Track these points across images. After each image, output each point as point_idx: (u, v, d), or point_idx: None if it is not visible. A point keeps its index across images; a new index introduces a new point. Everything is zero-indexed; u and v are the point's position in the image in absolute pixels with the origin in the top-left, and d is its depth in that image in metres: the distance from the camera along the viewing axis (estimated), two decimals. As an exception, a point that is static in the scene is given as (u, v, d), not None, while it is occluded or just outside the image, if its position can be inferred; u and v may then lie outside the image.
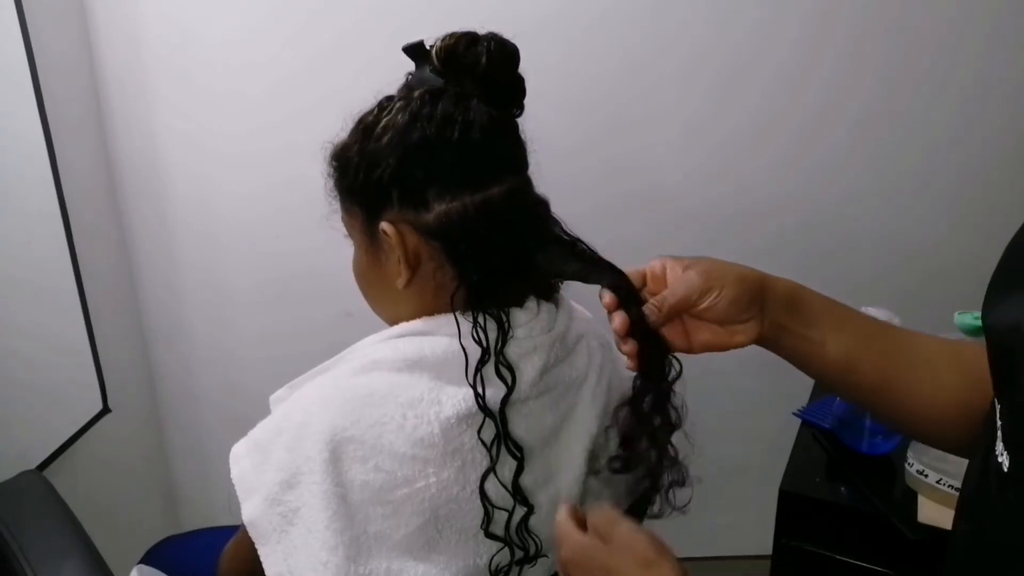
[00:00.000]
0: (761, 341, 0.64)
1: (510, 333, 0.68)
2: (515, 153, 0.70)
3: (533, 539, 0.71)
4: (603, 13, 1.36)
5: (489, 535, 0.68)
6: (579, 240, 0.70)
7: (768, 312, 0.63)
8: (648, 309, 0.62)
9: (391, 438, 0.64)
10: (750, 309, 0.62)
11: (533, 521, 0.71)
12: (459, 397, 0.66)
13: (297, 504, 0.65)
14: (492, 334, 0.67)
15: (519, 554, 0.70)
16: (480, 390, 0.65)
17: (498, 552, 0.69)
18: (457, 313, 0.67)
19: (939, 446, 0.67)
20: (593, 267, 0.66)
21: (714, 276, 0.62)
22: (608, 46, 1.38)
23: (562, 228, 0.71)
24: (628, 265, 0.66)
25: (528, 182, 0.71)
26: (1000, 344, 0.45)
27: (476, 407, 0.66)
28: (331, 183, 0.72)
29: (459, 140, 0.64)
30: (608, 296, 0.63)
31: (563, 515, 0.60)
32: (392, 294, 0.71)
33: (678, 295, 0.62)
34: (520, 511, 0.69)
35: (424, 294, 0.70)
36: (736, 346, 0.63)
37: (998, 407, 0.44)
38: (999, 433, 0.42)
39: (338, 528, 0.64)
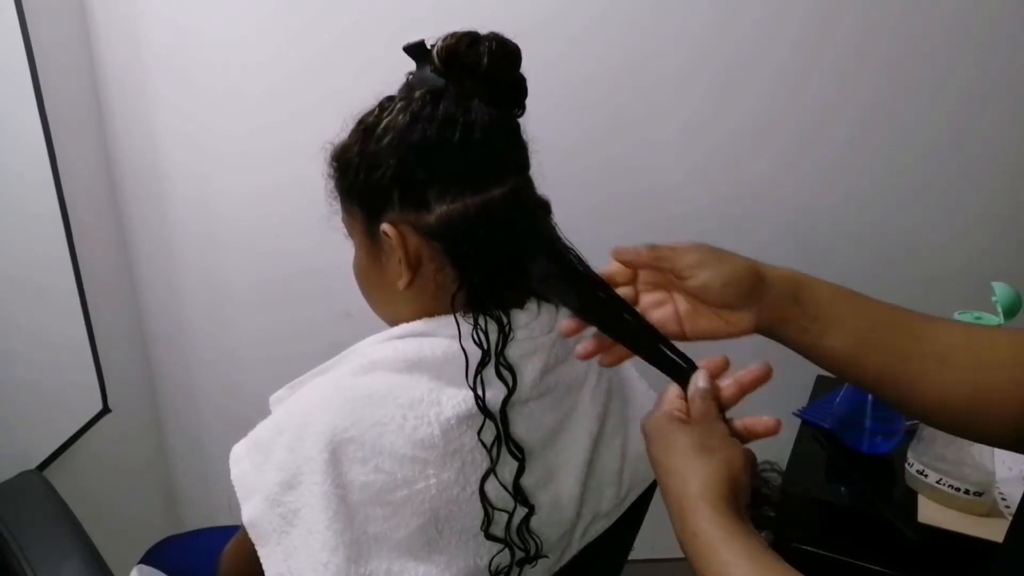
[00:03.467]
0: (758, 331, 0.61)
1: (511, 335, 0.68)
2: (516, 154, 0.70)
3: (534, 540, 0.71)
4: (603, 13, 1.35)
5: (489, 536, 0.68)
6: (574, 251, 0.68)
7: (767, 303, 0.60)
8: (634, 250, 0.63)
9: (391, 439, 0.64)
10: (747, 298, 0.60)
11: (534, 522, 0.71)
12: (459, 398, 0.66)
13: (297, 505, 0.65)
14: (492, 335, 0.67)
15: (520, 555, 0.70)
16: (480, 391, 0.65)
17: (499, 553, 0.69)
18: (458, 314, 0.67)
19: (950, 431, 0.65)
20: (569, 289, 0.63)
21: (709, 255, 0.61)
22: (608, 46, 1.37)
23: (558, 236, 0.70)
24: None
25: (530, 183, 0.71)
26: None
27: (476, 408, 0.66)
28: (331, 184, 0.72)
29: (460, 141, 0.64)
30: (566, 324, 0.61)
31: (670, 394, 0.60)
32: (393, 295, 0.71)
33: (668, 247, 0.62)
34: (521, 512, 0.69)
35: (425, 295, 0.69)
36: (732, 335, 0.61)
37: None
38: None
39: (338, 529, 0.63)
